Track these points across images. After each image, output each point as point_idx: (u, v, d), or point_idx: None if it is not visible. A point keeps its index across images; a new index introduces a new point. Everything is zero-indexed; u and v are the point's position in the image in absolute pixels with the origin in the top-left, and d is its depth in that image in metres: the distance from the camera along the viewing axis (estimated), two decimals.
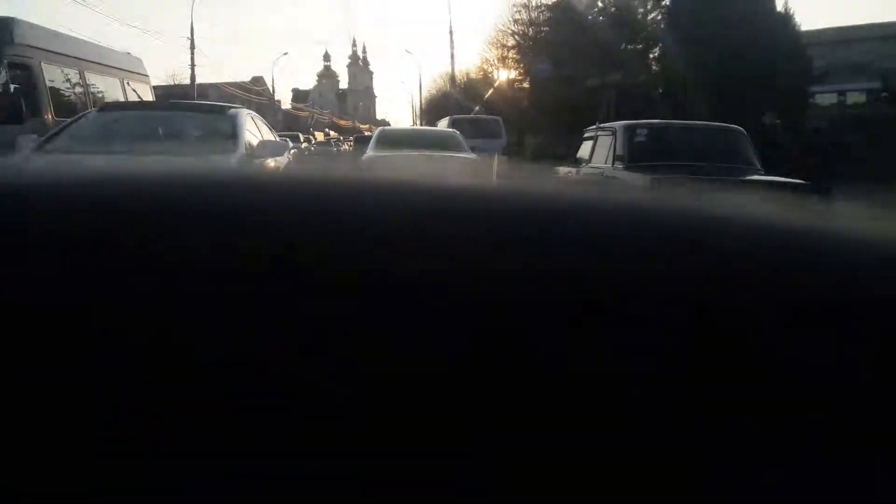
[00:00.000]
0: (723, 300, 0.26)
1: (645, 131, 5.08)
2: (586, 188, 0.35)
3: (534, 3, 18.89)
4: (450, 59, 23.70)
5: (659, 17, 15.54)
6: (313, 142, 24.71)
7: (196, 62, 24.77)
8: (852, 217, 0.33)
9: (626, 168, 4.74)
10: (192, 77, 24.77)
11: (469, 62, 43.33)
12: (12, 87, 5.57)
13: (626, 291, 0.26)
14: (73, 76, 6.55)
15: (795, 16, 14.30)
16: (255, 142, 4.29)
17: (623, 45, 15.15)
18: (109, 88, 7.21)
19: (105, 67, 7.24)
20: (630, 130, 5.04)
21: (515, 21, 19.75)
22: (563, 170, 5.75)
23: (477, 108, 18.61)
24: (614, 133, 5.12)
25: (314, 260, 0.26)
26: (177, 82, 35.51)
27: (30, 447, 0.24)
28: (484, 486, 0.23)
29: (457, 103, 19.74)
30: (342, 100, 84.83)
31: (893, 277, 0.27)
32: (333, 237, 0.27)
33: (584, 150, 5.75)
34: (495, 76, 21.66)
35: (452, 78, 23.26)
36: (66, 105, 6.21)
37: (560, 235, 0.28)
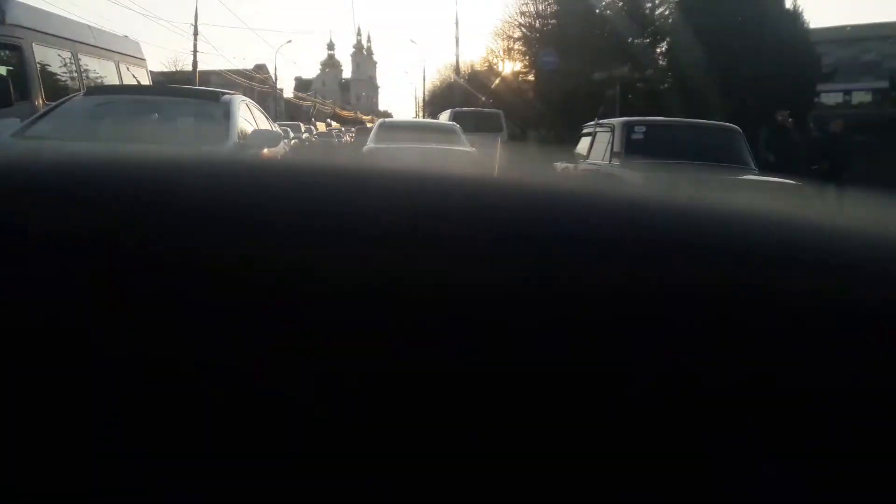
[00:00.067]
0: (723, 299, 0.26)
1: (643, 128, 5.12)
2: (583, 184, 0.33)
3: None
4: (454, 50, 23.54)
5: (667, 13, 15.42)
6: (314, 132, 24.49)
7: (199, 49, 24.63)
8: (857, 216, 0.32)
9: (623, 165, 4.81)
10: (195, 63, 24.64)
11: (475, 54, 43.22)
12: (1, 68, 5.40)
13: (626, 290, 0.26)
14: (67, 58, 6.37)
15: (804, 13, 14.17)
16: (249, 131, 4.14)
17: (630, 39, 15.00)
18: (104, 72, 7.03)
19: (100, 50, 7.04)
20: (628, 127, 5.10)
21: (522, 13, 19.58)
22: (559, 165, 5.88)
23: (483, 98, 18.49)
24: (612, 129, 5.24)
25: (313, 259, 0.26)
26: (179, 69, 35.46)
27: (30, 447, 0.24)
28: (484, 486, 0.24)
29: (462, 94, 19.55)
30: (345, 89, 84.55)
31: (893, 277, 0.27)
32: (332, 237, 0.27)
33: (583, 145, 5.85)
34: (500, 68, 21.51)
35: (457, 68, 23.04)
36: (58, 88, 6.03)
37: (558, 234, 0.28)
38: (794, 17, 14.05)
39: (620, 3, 15.85)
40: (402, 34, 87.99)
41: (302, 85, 79.08)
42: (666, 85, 14.30)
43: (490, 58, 22.73)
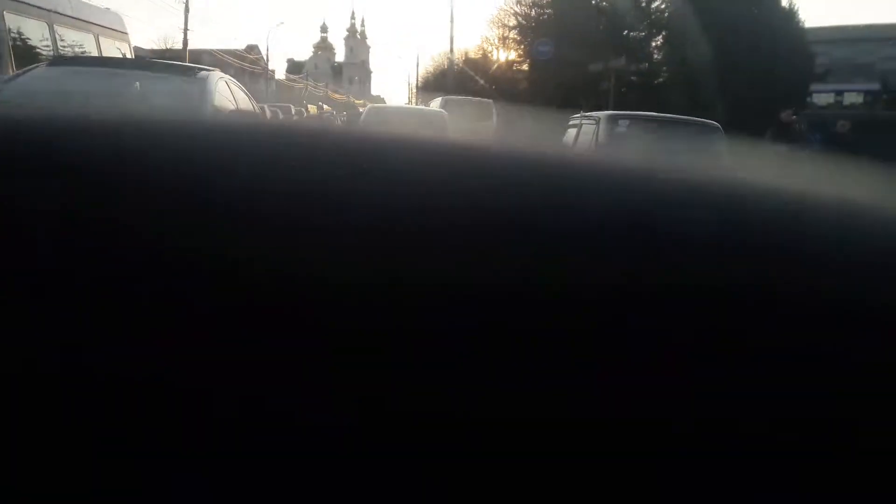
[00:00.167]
0: (721, 298, 0.25)
1: (626, 122, 5.28)
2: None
3: None
4: (449, 39, 23.25)
5: (663, 6, 15.29)
6: (305, 114, 24.22)
7: (190, 27, 24.20)
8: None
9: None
10: (185, 41, 24.18)
11: (469, 42, 42.89)
12: None
13: (625, 289, 0.25)
14: (41, 29, 6.14)
15: (799, 12, 14.08)
16: (228, 110, 3.96)
17: (626, 32, 14.87)
18: (82, 44, 6.80)
19: (79, 22, 6.79)
20: (612, 121, 5.26)
21: (518, 2, 19.36)
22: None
23: (483, 81, 18.31)
24: (597, 122, 5.38)
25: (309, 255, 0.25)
26: (169, 46, 34.88)
27: (30, 447, 0.24)
28: (484, 487, 0.24)
29: (455, 80, 19.33)
30: (337, 73, 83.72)
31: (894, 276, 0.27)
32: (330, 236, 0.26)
33: (568, 137, 5.92)
34: (495, 56, 21.30)
35: (451, 51, 22.78)
36: (31, 59, 5.78)
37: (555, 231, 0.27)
38: (790, 15, 13.96)
39: None
40: (397, 19, 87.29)
41: (294, 67, 78.23)
42: (661, 79, 14.19)
43: (485, 46, 22.55)
